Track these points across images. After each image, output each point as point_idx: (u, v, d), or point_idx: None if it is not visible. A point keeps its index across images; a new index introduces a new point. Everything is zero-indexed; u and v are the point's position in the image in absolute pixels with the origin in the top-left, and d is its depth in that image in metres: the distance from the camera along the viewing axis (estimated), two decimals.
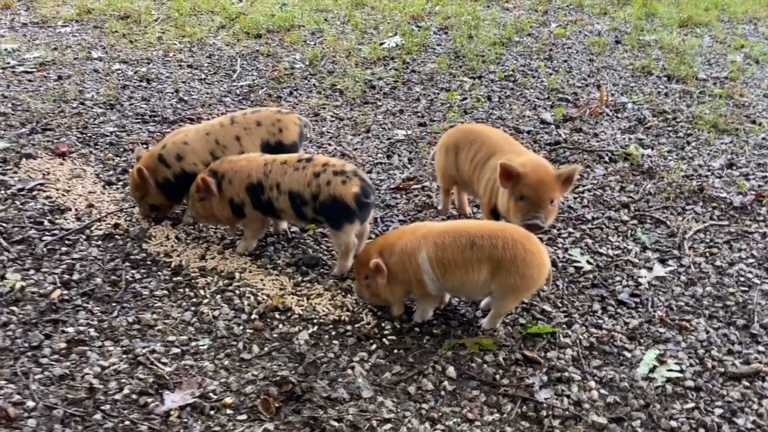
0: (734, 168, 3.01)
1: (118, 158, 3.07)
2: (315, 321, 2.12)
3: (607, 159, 3.11)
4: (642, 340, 2.06)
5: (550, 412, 1.80)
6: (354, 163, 3.08)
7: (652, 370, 1.94)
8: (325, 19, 5.20)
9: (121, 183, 2.86)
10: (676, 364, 1.96)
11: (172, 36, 4.78)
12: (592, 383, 1.89)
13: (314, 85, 3.99)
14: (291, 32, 4.87)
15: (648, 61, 4.21)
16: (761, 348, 2.02)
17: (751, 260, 2.41)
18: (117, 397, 1.81)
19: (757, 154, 3.10)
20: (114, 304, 2.16)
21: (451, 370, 1.92)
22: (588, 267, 2.39)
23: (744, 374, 1.92)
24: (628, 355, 2.00)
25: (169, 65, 4.24)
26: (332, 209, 2.25)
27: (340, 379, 1.89)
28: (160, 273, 2.32)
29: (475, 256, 1.97)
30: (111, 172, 2.95)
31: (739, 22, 4.89)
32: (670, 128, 3.39)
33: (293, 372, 1.91)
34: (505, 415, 1.79)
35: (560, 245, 2.51)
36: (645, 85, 3.90)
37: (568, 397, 1.85)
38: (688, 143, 3.24)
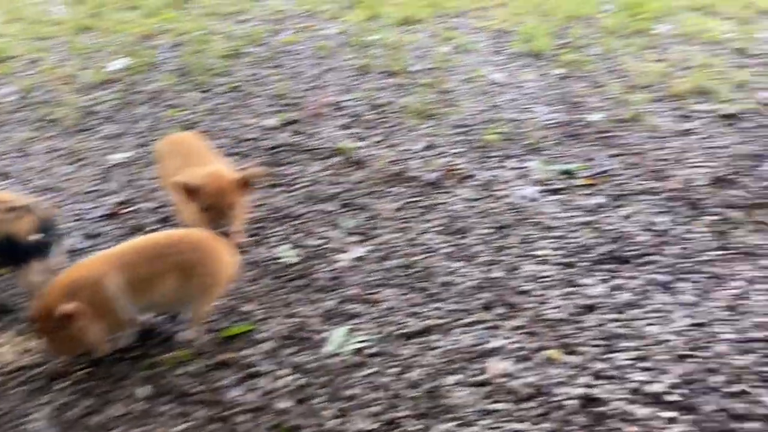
0: (432, 149, 3.34)
1: None
2: None
3: (323, 156, 3.29)
4: (336, 320, 2.21)
5: (240, 408, 1.86)
6: (61, 195, 2.93)
7: (342, 345, 2.09)
8: (46, 48, 4.85)
9: None
10: (363, 335, 2.13)
11: None
12: (284, 371, 1.99)
13: (25, 118, 3.71)
14: (4, 64, 4.48)
15: (369, 60, 4.51)
16: (438, 305, 2.27)
17: (437, 228, 2.69)
18: None
19: (452, 134, 3.47)
20: None
21: (144, 390, 1.91)
22: (294, 260, 2.50)
23: (418, 332, 2.15)
24: (322, 336, 2.13)
25: None
26: (8, 249, 2.11)
27: (21, 427, 1.78)
28: None
29: (163, 266, 1.97)
30: None
31: (450, 17, 5.43)
32: (382, 120, 3.67)
33: None
34: (194, 422, 1.82)
35: (268, 244, 2.61)
36: (365, 83, 4.18)
37: (259, 389, 1.92)
38: (396, 132, 3.53)
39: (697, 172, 2.96)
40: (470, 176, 3.07)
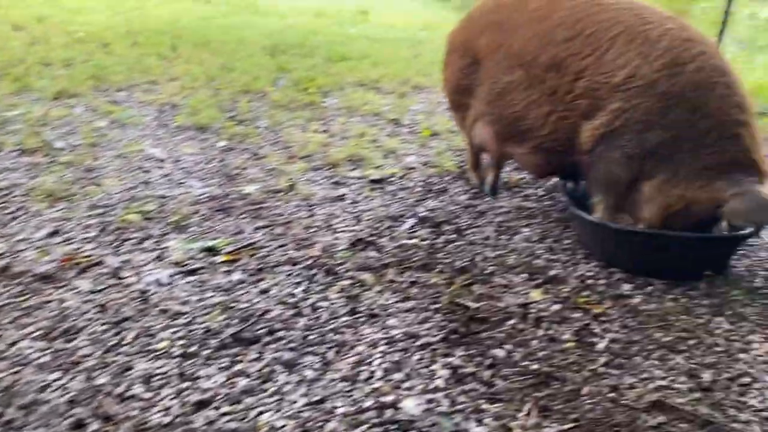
0: (58, 235, 2.87)
1: None
2: None
3: None
4: None
5: None
6: None
7: None
8: None
9: None
10: None
11: None
12: None
13: None
14: None
15: (2, 138, 3.88)
16: None
17: (38, 332, 2.22)
18: None
19: (86, 216, 3.05)
20: None
21: None
22: None
23: None
24: None
25: None
26: None
27: None
28: None
29: None
30: None
31: (114, 90, 5.04)
32: (0, 207, 3.08)
33: None
34: None
35: None
36: None
37: None
38: (15, 219, 2.98)
39: (340, 237, 2.98)
40: (97, 263, 2.66)
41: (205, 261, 2.73)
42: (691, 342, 2.29)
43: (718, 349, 2.26)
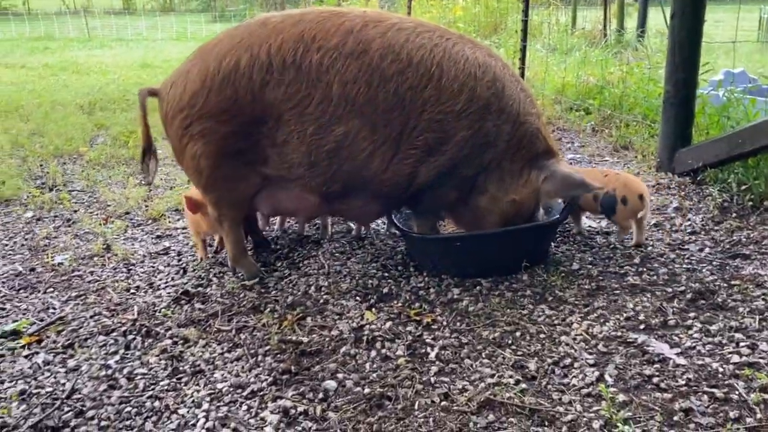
0: None
1: None
2: None
3: None
4: None
5: None
6: None
7: None
8: None
9: None
10: None
11: None
12: None
13: None
14: None
15: None
16: None
17: None
18: None
19: None
20: None
21: None
22: None
23: None
24: None
25: None
26: None
27: None
28: None
29: None
30: None
31: None
32: None
33: None
34: None
35: None
36: None
37: None
38: None
39: (162, 294, 2.77)
40: None
41: (3, 348, 2.41)
42: (517, 334, 2.34)
43: (542, 336, 2.33)
